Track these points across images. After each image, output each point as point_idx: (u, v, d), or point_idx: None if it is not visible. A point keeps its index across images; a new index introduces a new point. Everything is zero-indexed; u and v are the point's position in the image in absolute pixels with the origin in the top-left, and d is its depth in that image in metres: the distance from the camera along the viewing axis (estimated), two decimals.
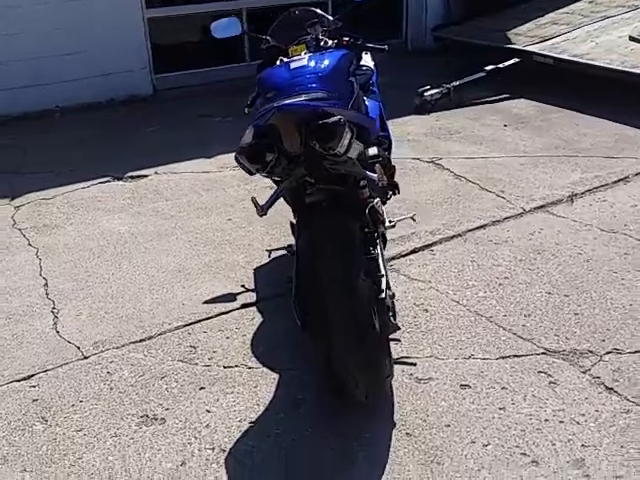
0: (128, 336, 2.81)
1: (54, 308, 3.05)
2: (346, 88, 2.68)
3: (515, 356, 2.62)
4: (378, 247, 2.49)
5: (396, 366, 2.53)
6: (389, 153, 3.08)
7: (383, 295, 2.30)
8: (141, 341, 2.78)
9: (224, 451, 2.19)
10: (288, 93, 2.54)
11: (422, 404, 2.38)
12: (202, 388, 2.49)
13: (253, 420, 2.32)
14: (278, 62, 2.80)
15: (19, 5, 5.64)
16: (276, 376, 2.53)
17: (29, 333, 2.86)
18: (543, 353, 2.63)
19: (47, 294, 3.16)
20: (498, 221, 3.75)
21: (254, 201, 2.33)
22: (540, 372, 2.53)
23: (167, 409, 2.39)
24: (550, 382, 2.46)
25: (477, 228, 3.68)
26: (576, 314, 2.87)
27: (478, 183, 4.26)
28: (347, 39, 3.10)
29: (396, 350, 2.65)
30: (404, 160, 4.71)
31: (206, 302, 3.03)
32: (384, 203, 2.96)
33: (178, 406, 2.40)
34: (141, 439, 2.25)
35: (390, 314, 2.36)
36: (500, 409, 2.33)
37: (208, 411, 2.37)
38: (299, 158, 2.12)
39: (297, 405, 2.38)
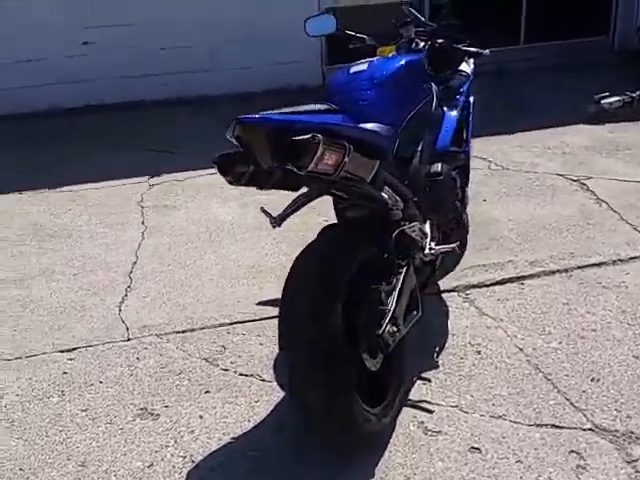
0: (174, 325, 2.88)
1: (129, 287, 3.23)
2: (406, 95, 2.47)
3: (553, 426, 2.23)
4: (401, 276, 2.25)
5: (410, 410, 2.31)
6: (465, 173, 2.78)
7: (380, 331, 2.08)
8: (182, 332, 2.84)
9: (192, 462, 2.15)
10: (341, 99, 2.40)
11: (415, 460, 2.12)
12: (207, 392, 2.47)
13: (236, 436, 2.25)
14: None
15: None
16: (282, 394, 2.42)
17: (95, 307, 3.06)
18: (589, 429, 2.21)
19: (131, 272, 3.36)
20: (620, 260, 3.22)
21: (264, 211, 2.23)
22: (572, 451, 2.12)
23: (166, 406, 2.40)
24: (578, 466, 2.06)
25: (591, 265, 3.20)
26: None
27: (619, 212, 3.68)
28: (441, 41, 2.83)
29: (420, 391, 2.41)
30: (546, 175, 4.25)
31: (259, 303, 3.00)
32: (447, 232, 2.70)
33: (177, 405, 2.40)
34: (129, 431, 2.30)
35: (381, 355, 2.14)
36: None
37: (200, 417, 2.35)
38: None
39: (281, 429, 2.26)
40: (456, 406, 2.35)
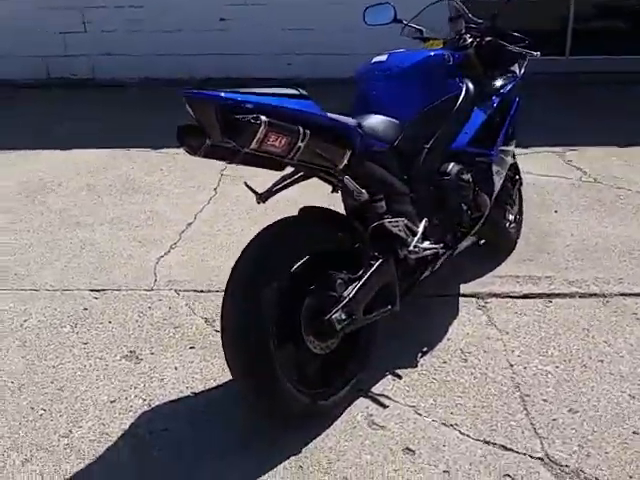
0: (194, 284, 3.07)
1: (175, 244, 3.47)
2: (419, 90, 2.44)
3: (502, 447, 2.12)
4: (372, 268, 2.24)
5: (366, 401, 2.32)
6: (488, 176, 2.67)
7: (327, 317, 2.10)
8: (198, 292, 3.01)
9: (149, 406, 2.32)
10: (358, 89, 2.44)
11: (345, 448, 2.12)
12: (192, 347, 2.62)
13: (196, 392, 2.39)
14: None
15: None
16: None
17: (139, 257, 3.34)
18: (539, 458, 2.08)
19: (183, 231, 3.60)
20: None
21: (248, 186, 2.30)
22: (506, 475, 2.01)
23: (152, 353, 2.59)
24: None
25: (635, 295, 2.93)
26: (635, 433, 2.16)
27: None
28: (489, 39, 2.75)
29: (386, 385, 2.39)
30: (638, 195, 3.92)
31: None
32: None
33: (161, 354, 2.58)
34: (110, 369, 2.51)
35: (332, 340, 2.16)
36: None
37: (175, 368, 2.51)
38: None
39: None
40: (413, 407, 2.30)
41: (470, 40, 2.81)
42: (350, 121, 2.14)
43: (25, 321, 2.83)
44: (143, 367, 2.52)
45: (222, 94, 1.84)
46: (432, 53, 2.58)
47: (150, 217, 3.80)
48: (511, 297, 2.95)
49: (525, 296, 2.95)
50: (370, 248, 2.28)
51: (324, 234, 2.20)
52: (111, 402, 2.35)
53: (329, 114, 2.05)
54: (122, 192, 4.16)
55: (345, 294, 2.16)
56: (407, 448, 2.13)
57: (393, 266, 2.35)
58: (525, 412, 2.27)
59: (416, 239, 2.39)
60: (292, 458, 2.09)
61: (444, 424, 2.23)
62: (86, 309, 2.90)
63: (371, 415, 2.27)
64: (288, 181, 2.29)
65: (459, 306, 2.88)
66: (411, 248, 2.38)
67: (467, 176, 2.58)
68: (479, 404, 2.31)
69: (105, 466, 2.08)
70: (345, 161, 2.10)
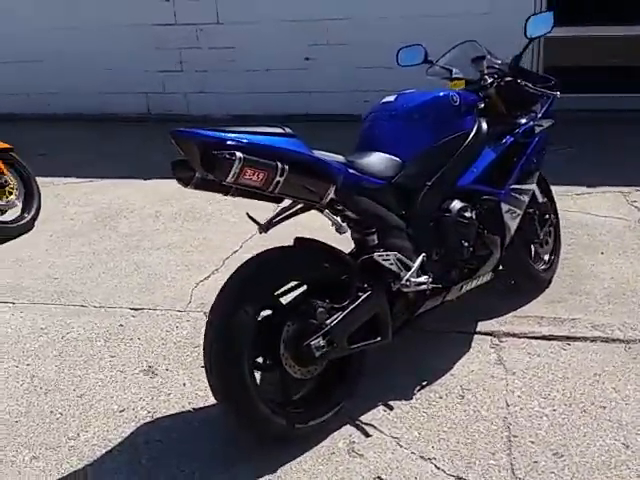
0: None
1: (216, 269, 3.68)
2: (422, 130, 2.52)
3: None
4: (359, 299, 2.32)
5: (351, 429, 2.38)
6: (496, 215, 2.68)
7: (305, 343, 2.20)
8: None
9: (152, 418, 2.50)
10: (364, 127, 2.57)
11: (318, 471, 2.20)
12: (203, 366, 2.79)
13: (196, 408, 2.54)
14: None
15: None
16: None
17: (181, 280, 3.58)
18: None
19: (227, 258, 3.81)
20: None
21: (250, 217, 2.45)
22: None
23: (167, 369, 2.79)
24: None
25: None
26: None
27: None
28: (509, 79, 2.79)
29: (376, 415, 2.44)
30: None
31: None
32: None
33: (175, 370, 2.77)
34: (126, 381, 2.72)
35: (314, 367, 2.26)
36: None
37: (184, 384, 2.68)
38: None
39: None
40: (396, 438, 2.34)
41: (490, 80, 2.85)
42: (334, 158, 2.25)
43: (67, 333, 3.12)
44: (156, 382, 2.72)
45: (204, 132, 2.02)
46: (440, 94, 2.64)
47: (202, 244, 4.06)
48: (528, 337, 2.90)
49: (543, 337, 2.89)
50: (359, 280, 2.36)
51: (308, 264, 2.31)
52: (120, 411, 2.55)
53: (312, 152, 2.18)
54: (184, 219, 4.46)
55: (327, 322, 2.25)
56: (378, 477, 2.17)
57: (384, 298, 2.42)
58: (508, 452, 2.25)
59: (409, 273, 2.45)
60: (267, 476, 2.19)
61: (422, 457, 2.25)
62: (121, 325, 3.16)
63: (353, 442, 2.33)
64: (286, 213, 2.43)
65: (472, 343, 2.87)
66: (403, 282, 2.43)
67: (470, 214, 2.61)
68: (463, 440, 2.31)
69: (98, 469, 2.27)
70: (330, 196, 2.22)
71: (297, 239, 2.41)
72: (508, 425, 2.38)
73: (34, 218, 4.54)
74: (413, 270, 2.46)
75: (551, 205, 3.33)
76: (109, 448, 2.36)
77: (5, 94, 7.63)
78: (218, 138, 2.01)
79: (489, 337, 2.92)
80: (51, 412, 2.57)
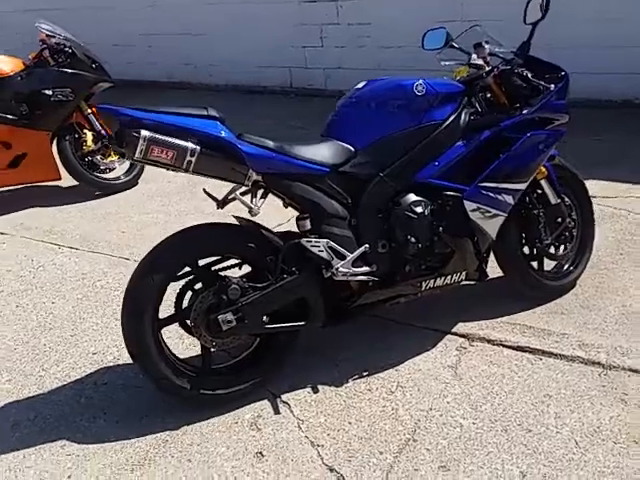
0: None
1: None
2: (380, 118, 2.49)
3: (341, 478, 2.11)
4: (282, 281, 2.37)
5: (267, 403, 2.47)
6: (457, 211, 2.55)
7: (213, 315, 2.31)
8: None
9: (115, 364, 2.79)
10: (333, 112, 2.61)
11: (214, 437, 2.32)
12: None
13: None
14: None
15: None
16: None
17: None
18: None
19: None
20: None
21: (206, 193, 2.56)
22: None
23: None
24: None
25: None
26: None
27: None
28: (506, 68, 2.63)
29: (304, 399, 2.49)
30: None
31: None
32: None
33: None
34: (116, 329, 3.04)
35: (227, 339, 2.38)
36: None
37: None
38: None
39: None
40: (301, 420, 2.37)
41: (487, 69, 2.67)
42: (263, 144, 2.31)
43: (98, 281, 3.53)
44: None
45: (122, 110, 2.20)
46: (404, 82, 2.53)
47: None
48: (502, 345, 2.72)
49: (517, 348, 2.69)
50: (286, 262, 2.40)
51: (232, 241, 2.41)
52: (93, 354, 2.87)
53: (231, 136, 2.26)
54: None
55: (240, 299, 2.34)
56: (260, 452, 2.25)
57: (314, 284, 2.44)
58: (395, 455, 2.19)
59: (342, 262, 2.43)
60: (164, 433, 2.35)
61: (312, 442, 2.27)
62: None
63: (259, 416, 2.41)
64: (239, 192, 2.52)
65: (440, 342, 2.76)
66: (333, 270, 2.42)
67: (422, 209, 2.49)
68: (361, 435, 2.29)
69: (46, 399, 2.60)
70: (252, 178, 2.30)
71: (235, 217, 2.51)
72: (416, 428, 2.30)
73: (137, 176, 5.06)
74: (348, 260, 2.44)
75: (578, 208, 3.03)
76: (65, 382, 2.69)
77: (180, 64, 8.40)
78: (130, 116, 2.18)
79: (462, 339, 2.78)
80: (44, 345, 2.96)
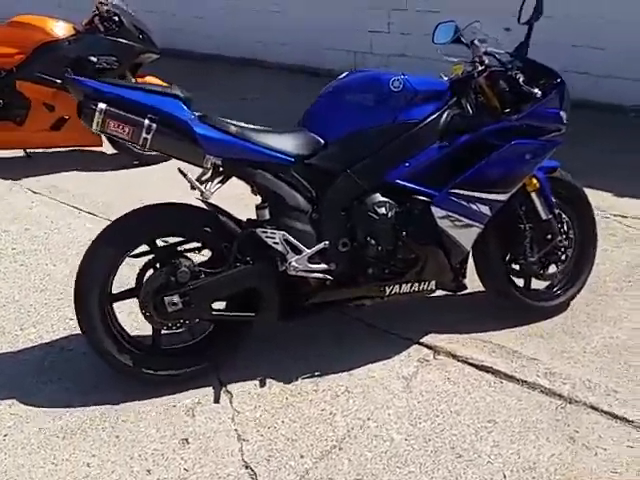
0: None
1: None
2: (353, 112, 2.45)
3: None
4: (234, 269, 2.37)
5: (209, 390, 2.49)
6: (424, 217, 2.44)
7: (159, 296, 2.33)
8: None
9: None
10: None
11: (145, 418, 2.35)
12: None
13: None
14: None
15: None
16: None
17: None
18: None
19: None
20: None
21: (181, 171, 2.47)
22: None
23: None
24: None
25: (608, 413, 2.31)
26: None
27: None
28: (495, 70, 2.51)
29: (249, 392, 2.48)
30: None
31: None
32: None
33: None
34: None
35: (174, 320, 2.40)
36: None
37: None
38: None
39: None
40: (238, 412, 2.37)
41: (479, 69, 2.53)
42: (225, 128, 2.29)
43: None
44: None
45: (86, 81, 2.23)
46: (381, 77, 2.44)
47: None
48: (466, 363, 2.61)
49: (481, 367, 2.57)
50: (240, 251, 2.39)
51: (187, 223, 2.43)
52: (70, 319, 2.95)
53: (191, 117, 2.25)
54: None
55: (190, 283, 2.35)
56: (186, 439, 2.26)
57: (267, 275, 2.41)
58: (315, 461, 2.15)
59: (297, 257, 2.38)
60: (104, 406, 2.39)
61: (239, 436, 2.26)
62: None
63: (198, 403, 2.42)
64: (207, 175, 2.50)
65: (404, 351, 2.68)
66: (288, 264, 2.38)
67: (385, 211, 2.40)
68: (289, 436, 2.26)
69: (13, 360, 2.71)
70: (210, 161, 2.30)
71: (199, 199, 2.50)
72: (346, 437, 2.25)
73: None
74: (304, 255, 2.40)
75: (577, 227, 2.85)
76: (35, 344, 2.79)
77: (253, 41, 8.44)
78: (91, 88, 2.21)
79: (427, 350, 2.69)
80: (30, 305, 3.08)
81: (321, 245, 2.42)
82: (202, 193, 2.35)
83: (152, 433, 2.29)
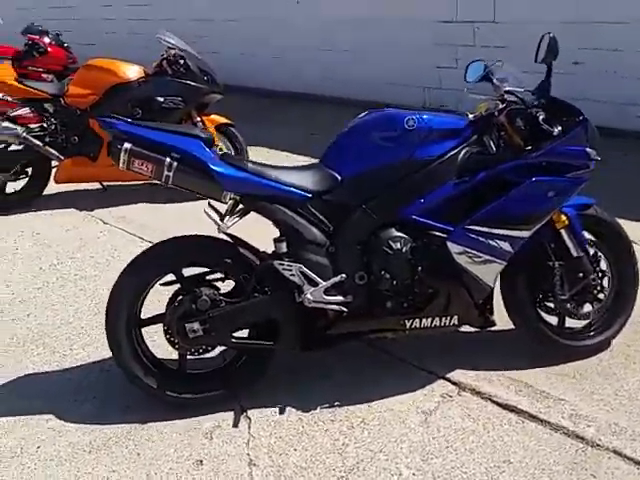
0: None
1: None
2: (369, 149, 2.52)
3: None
4: (251, 299, 2.46)
5: (229, 415, 2.56)
6: (440, 253, 2.46)
7: (182, 323, 2.44)
8: None
9: None
10: None
11: (162, 438, 2.45)
12: None
13: None
14: None
15: None
16: None
17: None
18: None
19: None
20: None
21: (207, 213, 2.55)
22: None
23: None
24: None
25: (631, 459, 2.22)
26: None
27: None
28: (514, 108, 2.52)
29: (268, 419, 2.55)
30: None
31: None
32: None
33: None
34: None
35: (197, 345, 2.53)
36: None
37: None
38: None
39: None
40: (254, 437, 2.43)
41: (501, 107, 2.54)
42: (242, 167, 2.41)
43: (117, 254, 3.87)
44: None
45: (115, 123, 2.41)
46: (396, 115, 2.48)
47: None
48: (491, 401, 2.56)
49: (505, 406, 2.52)
50: (259, 282, 2.47)
51: (210, 255, 2.53)
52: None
53: (211, 156, 2.38)
54: None
55: (210, 311, 2.45)
56: (200, 461, 2.34)
57: (285, 306, 2.48)
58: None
59: (313, 289, 2.44)
60: (131, 425, 2.52)
61: (250, 461, 2.32)
62: None
63: (218, 427, 2.50)
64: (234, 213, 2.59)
65: (428, 385, 2.66)
66: (304, 296, 2.44)
67: (400, 246, 2.43)
68: (300, 463, 2.30)
69: (64, 376, 2.89)
70: (229, 197, 2.41)
71: (224, 232, 2.60)
72: (355, 468, 2.26)
73: None
74: (320, 287, 2.45)
75: (614, 265, 2.76)
76: (80, 364, 2.96)
77: (321, 77, 8.64)
78: (118, 129, 2.39)
79: (452, 386, 2.66)
80: (82, 327, 3.27)
81: (338, 278, 2.47)
82: (219, 227, 2.46)
83: (170, 453, 2.38)
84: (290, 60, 8.74)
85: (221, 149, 5.21)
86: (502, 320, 2.78)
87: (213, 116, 5.27)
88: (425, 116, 2.50)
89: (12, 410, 2.64)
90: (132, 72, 5.07)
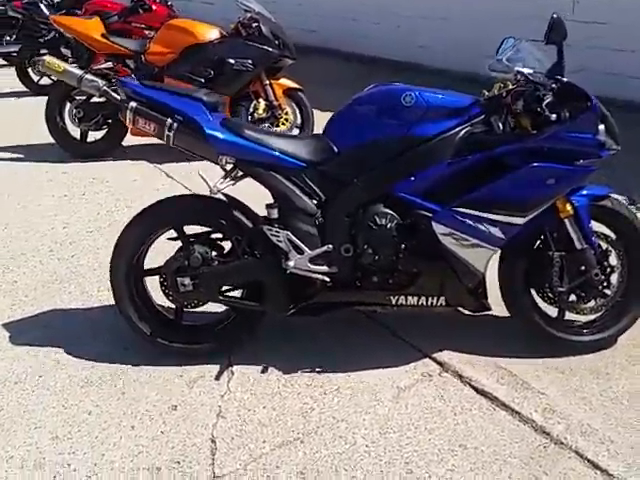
0: None
1: None
2: (368, 122, 2.53)
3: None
4: (242, 260, 2.56)
5: (211, 368, 2.69)
6: (425, 232, 2.43)
7: (175, 277, 2.58)
8: None
9: None
10: None
11: (144, 383, 2.62)
12: None
13: None
14: None
15: None
16: None
17: None
18: None
19: None
20: None
21: (201, 176, 2.59)
22: None
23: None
24: None
25: (592, 462, 2.14)
26: None
27: None
28: (520, 90, 2.45)
29: (248, 377, 2.66)
30: None
31: None
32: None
33: None
34: None
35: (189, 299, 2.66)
36: None
37: None
38: None
39: None
40: (231, 392, 2.54)
41: (509, 88, 2.44)
42: (242, 133, 2.48)
43: None
44: None
45: (129, 83, 2.55)
46: (394, 90, 2.44)
47: None
48: (469, 385, 2.54)
49: (481, 392, 2.50)
50: (249, 244, 2.56)
51: (205, 214, 2.63)
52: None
53: (209, 119, 2.46)
54: None
55: (200, 268, 2.57)
56: (175, 406, 2.48)
57: (273, 270, 2.55)
58: (272, 448, 2.26)
59: (298, 257, 2.49)
60: (125, 365, 2.69)
61: (219, 412, 2.44)
62: None
63: (202, 377, 2.63)
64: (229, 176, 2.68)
65: (413, 363, 2.67)
66: (288, 263, 2.50)
67: (385, 222, 2.42)
68: (263, 420, 2.39)
69: (85, 314, 3.13)
70: (225, 160, 2.50)
71: (223, 194, 2.68)
72: (312, 432, 2.33)
73: None
74: (305, 256, 2.50)
75: (625, 259, 2.61)
76: (102, 305, 3.18)
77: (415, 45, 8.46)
78: (130, 89, 2.52)
79: (435, 366, 2.66)
80: None
81: (324, 248, 2.51)
82: (210, 189, 2.55)
83: (151, 395, 2.55)
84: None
85: (287, 112, 5.33)
86: (503, 306, 2.73)
87: (282, 80, 5.35)
88: (426, 93, 2.45)
89: (29, 340, 2.90)
90: (209, 33, 5.23)
